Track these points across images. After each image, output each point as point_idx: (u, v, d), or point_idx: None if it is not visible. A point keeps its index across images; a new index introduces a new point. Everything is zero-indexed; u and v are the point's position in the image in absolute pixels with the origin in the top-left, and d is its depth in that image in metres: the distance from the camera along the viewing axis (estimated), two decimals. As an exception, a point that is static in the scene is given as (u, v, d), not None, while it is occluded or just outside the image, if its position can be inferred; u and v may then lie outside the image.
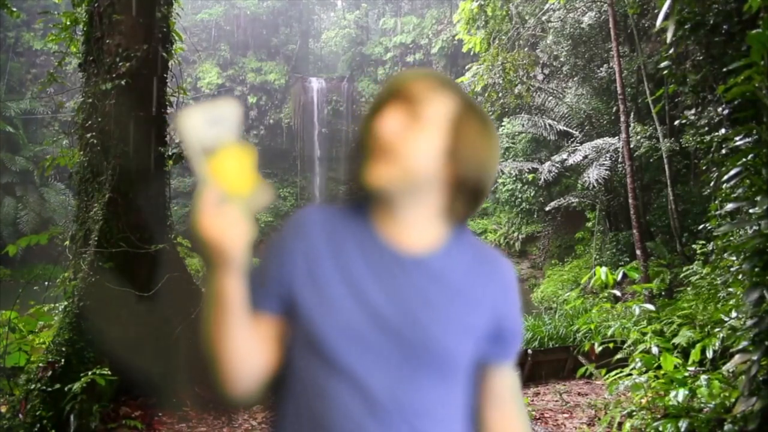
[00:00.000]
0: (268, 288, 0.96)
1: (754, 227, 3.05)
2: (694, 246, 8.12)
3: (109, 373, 4.22)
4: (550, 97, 15.69)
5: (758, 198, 2.86)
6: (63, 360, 4.42)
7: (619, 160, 12.12)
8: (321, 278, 0.95)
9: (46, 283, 6.76)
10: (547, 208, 16.48)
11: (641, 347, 4.27)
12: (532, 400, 6.03)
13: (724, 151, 4.52)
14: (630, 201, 10.05)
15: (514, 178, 18.78)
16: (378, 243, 0.98)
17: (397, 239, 0.98)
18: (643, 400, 4.05)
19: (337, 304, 0.93)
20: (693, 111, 7.09)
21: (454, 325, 0.95)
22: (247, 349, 0.92)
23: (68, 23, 6.03)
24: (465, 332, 0.96)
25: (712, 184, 5.23)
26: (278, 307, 0.96)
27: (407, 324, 0.93)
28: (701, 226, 6.87)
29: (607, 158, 12.54)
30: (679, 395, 3.54)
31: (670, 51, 6.05)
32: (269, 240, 1.01)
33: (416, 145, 0.92)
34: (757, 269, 2.80)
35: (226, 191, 0.84)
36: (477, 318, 0.98)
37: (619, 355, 4.57)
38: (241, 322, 0.90)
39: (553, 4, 12.57)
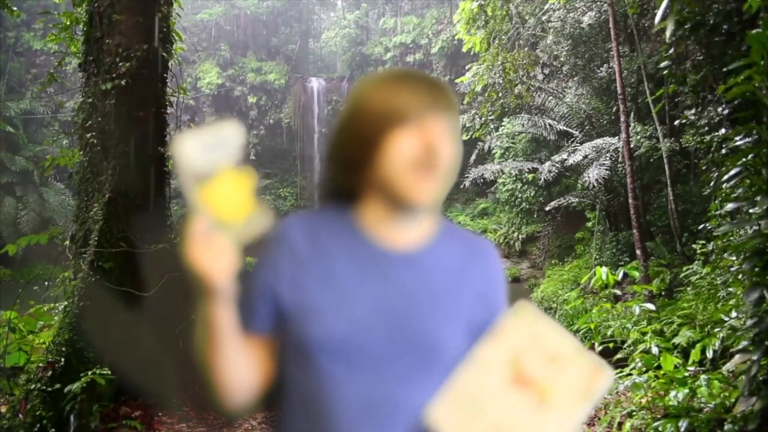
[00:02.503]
0: (256, 308, 0.96)
1: (754, 227, 3.05)
2: (694, 246, 8.11)
3: (109, 373, 4.22)
4: (550, 97, 15.67)
5: (758, 198, 2.86)
6: (63, 360, 4.42)
7: (619, 160, 12.11)
8: (308, 286, 0.94)
9: (46, 283, 6.76)
10: (547, 208, 16.46)
11: (641, 347, 4.27)
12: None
13: (724, 151, 4.52)
14: (630, 201, 10.04)
15: (514, 178, 18.77)
16: (365, 243, 0.97)
17: (385, 238, 0.98)
18: (643, 400, 4.05)
19: (326, 309, 0.93)
20: (693, 111, 7.08)
21: (448, 318, 0.96)
22: (239, 369, 0.93)
23: (68, 23, 6.03)
24: (458, 324, 0.97)
25: (712, 184, 5.23)
26: (268, 325, 0.96)
27: (400, 321, 0.93)
28: (701, 226, 6.87)
29: (607, 158, 12.53)
30: (679, 395, 3.54)
31: (670, 51, 6.05)
32: (257, 251, 1.00)
33: (454, 158, 0.95)
34: (757, 269, 2.80)
35: (217, 219, 0.82)
36: (469, 309, 0.98)
37: (619, 355, 4.57)
38: (231, 346, 0.90)
39: (553, 4, 12.56)
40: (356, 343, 0.92)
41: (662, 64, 6.53)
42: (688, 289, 7.36)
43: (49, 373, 4.31)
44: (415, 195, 0.92)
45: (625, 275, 4.71)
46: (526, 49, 13.15)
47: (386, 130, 0.92)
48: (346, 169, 0.98)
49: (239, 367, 0.92)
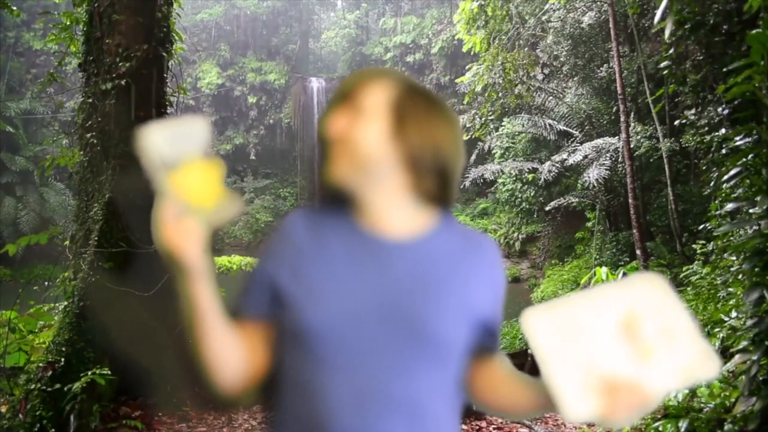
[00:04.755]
0: (254, 294, 0.99)
1: (754, 227, 3.05)
2: (694, 246, 8.11)
3: (109, 373, 4.22)
4: (550, 97, 15.69)
5: (758, 198, 2.86)
6: (63, 360, 4.41)
7: (619, 160, 12.12)
8: (308, 277, 0.96)
9: (46, 283, 6.76)
10: (547, 208, 16.48)
11: (641, 347, 4.26)
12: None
13: (724, 151, 4.52)
14: (630, 201, 10.05)
15: (514, 178, 18.77)
16: (362, 234, 0.99)
17: (380, 228, 0.99)
18: (643, 400, 4.03)
19: (324, 299, 0.94)
20: (693, 111, 7.09)
21: (445, 308, 0.96)
22: (230, 352, 0.94)
23: (68, 23, 6.03)
24: (456, 315, 0.97)
25: (712, 184, 5.23)
26: (263, 311, 0.99)
27: (397, 310, 0.94)
28: (701, 226, 6.87)
29: (607, 158, 12.54)
30: (679, 395, 3.54)
31: (670, 51, 6.05)
32: (260, 247, 1.04)
33: (359, 134, 0.96)
34: (757, 269, 2.80)
35: (185, 204, 0.85)
36: (467, 301, 0.99)
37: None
38: (216, 325, 0.92)
39: (553, 4, 12.57)
40: (351, 330, 0.93)
41: (662, 64, 6.53)
42: (688, 289, 7.36)
43: (49, 373, 4.31)
44: (323, 178, 0.99)
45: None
46: (526, 49, 13.16)
47: (318, 128, 1.03)
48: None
49: (227, 349, 0.94)
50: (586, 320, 0.85)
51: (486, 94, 12.21)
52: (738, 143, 3.12)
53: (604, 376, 0.82)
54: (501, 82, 11.70)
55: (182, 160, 0.86)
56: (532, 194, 18.66)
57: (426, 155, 0.97)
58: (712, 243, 6.49)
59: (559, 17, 14.06)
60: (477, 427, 4.79)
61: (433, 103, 1.01)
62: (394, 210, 0.99)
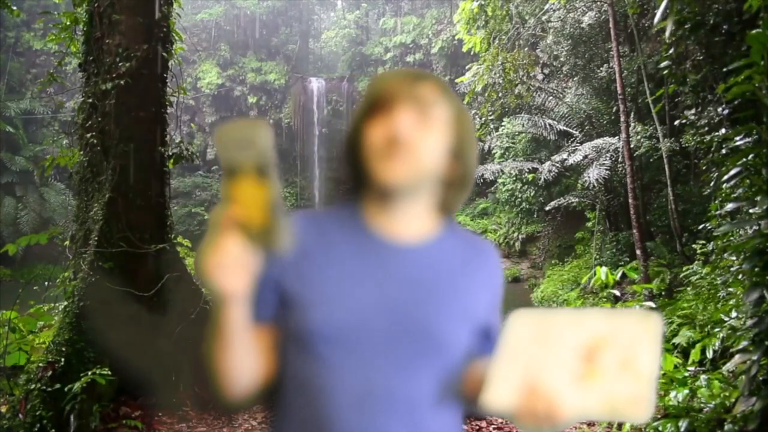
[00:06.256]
0: (261, 298, 0.97)
1: (754, 227, 3.06)
2: (694, 246, 8.11)
3: (109, 373, 4.22)
4: (550, 97, 15.68)
5: (758, 198, 2.86)
6: (63, 360, 4.41)
7: (619, 160, 12.11)
8: (312, 278, 0.96)
9: (46, 283, 6.76)
10: (547, 208, 16.47)
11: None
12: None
13: (724, 151, 4.52)
14: (630, 201, 10.05)
15: (514, 178, 18.77)
16: (370, 236, 1.00)
17: (389, 231, 1.00)
18: (643, 400, 4.03)
19: (329, 300, 0.94)
20: (693, 111, 7.09)
21: (446, 310, 0.97)
22: (246, 363, 0.94)
23: (68, 23, 6.03)
24: (460, 318, 0.98)
25: (712, 184, 5.23)
26: (271, 315, 0.98)
27: (401, 313, 0.95)
28: (701, 226, 6.87)
29: (607, 158, 12.53)
30: (679, 395, 3.54)
31: (670, 51, 6.05)
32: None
33: (429, 144, 0.96)
34: (757, 269, 2.80)
35: (239, 220, 0.80)
36: (468, 304, 1.00)
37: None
38: (239, 340, 0.90)
39: (553, 4, 12.56)
40: (354, 331, 0.93)
41: (662, 64, 6.53)
42: (688, 289, 7.36)
43: (49, 373, 4.31)
44: (382, 174, 0.95)
45: (625, 275, 4.72)
46: (526, 49, 13.15)
47: (364, 123, 0.99)
48: (347, 164, 1.03)
49: (243, 358, 0.93)
50: (562, 332, 0.84)
51: (486, 94, 12.20)
52: (738, 143, 3.12)
53: (534, 380, 0.82)
54: (501, 82, 11.68)
55: (240, 169, 0.79)
56: (532, 194, 18.65)
57: (463, 174, 1.02)
58: (712, 243, 6.49)
59: (559, 17, 14.05)
60: (477, 427, 4.79)
61: (472, 125, 1.05)
62: (408, 216, 1.00)
